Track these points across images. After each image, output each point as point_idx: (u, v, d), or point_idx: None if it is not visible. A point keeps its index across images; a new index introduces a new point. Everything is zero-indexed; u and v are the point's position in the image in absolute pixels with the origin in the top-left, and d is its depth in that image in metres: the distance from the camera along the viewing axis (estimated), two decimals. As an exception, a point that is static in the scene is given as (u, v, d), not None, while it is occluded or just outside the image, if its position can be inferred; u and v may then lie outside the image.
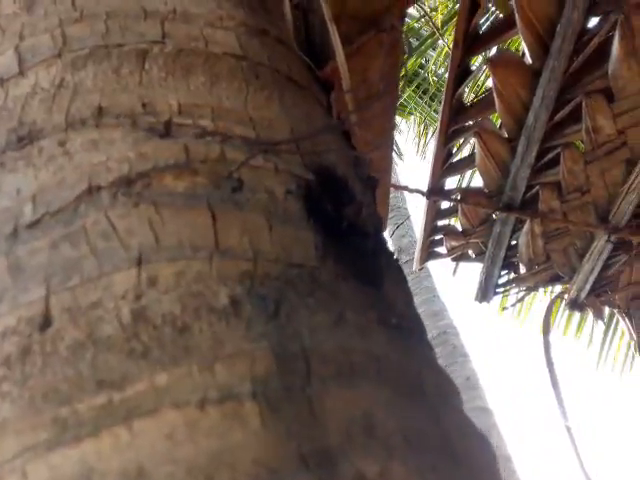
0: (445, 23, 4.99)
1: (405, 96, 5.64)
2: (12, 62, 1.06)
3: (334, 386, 0.72)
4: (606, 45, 1.77)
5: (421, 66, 5.78)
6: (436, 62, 5.65)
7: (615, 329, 4.89)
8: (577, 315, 2.94)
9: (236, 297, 0.75)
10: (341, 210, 0.97)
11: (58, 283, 0.77)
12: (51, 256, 0.80)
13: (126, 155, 0.87)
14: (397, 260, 1.11)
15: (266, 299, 0.77)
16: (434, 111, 5.93)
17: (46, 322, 0.74)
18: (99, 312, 0.73)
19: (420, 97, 5.99)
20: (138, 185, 0.84)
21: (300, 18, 1.51)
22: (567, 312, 3.67)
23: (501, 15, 2.44)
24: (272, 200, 0.90)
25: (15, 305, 0.76)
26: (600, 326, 4.00)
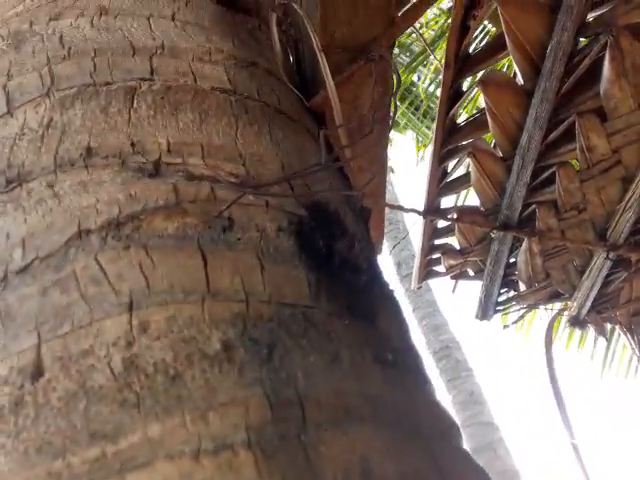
0: (438, 38, 5.02)
1: (399, 113, 5.67)
2: (0, 101, 1.06)
3: (330, 432, 0.70)
4: (597, 66, 1.78)
5: (413, 83, 5.80)
6: (426, 79, 5.68)
7: (617, 341, 4.86)
8: (578, 330, 2.92)
9: (229, 341, 0.74)
10: (333, 245, 0.96)
11: (49, 330, 0.76)
12: (41, 303, 0.79)
13: (115, 197, 0.87)
14: (392, 290, 1.10)
15: (259, 342, 0.75)
16: (426, 127, 5.94)
17: (38, 372, 0.73)
18: (90, 360, 0.72)
19: (412, 113, 6.01)
20: (128, 227, 0.84)
21: (290, 48, 1.51)
22: (568, 327, 3.66)
23: (491, 36, 2.44)
24: (263, 238, 0.89)
25: (6, 354, 0.75)
26: (602, 339, 3.97)
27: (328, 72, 1.30)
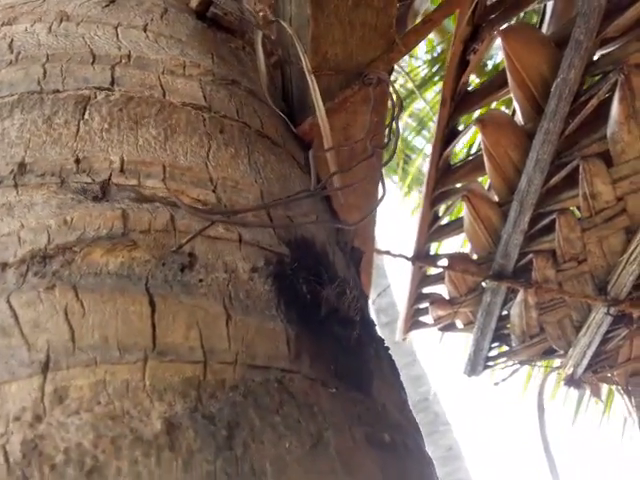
0: (419, 87, 4.97)
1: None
2: None
3: None
4: (605, 106, 1.66)
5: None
6: (407, 128, 5.61)
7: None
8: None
9: (174, 419, 0.55)
10: (320, 292, 0.78)
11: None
12: None
13: (46, 223, 0.68)
14: (387, 349, 0.92)
15: (216, 421, 0.56)
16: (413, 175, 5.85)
17: None
18: (-17, 440, 0.52)
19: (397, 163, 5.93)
20: (56, 262, 0.65)
21: (276, 70, 1.37)
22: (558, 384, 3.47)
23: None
24: (233, 280, 0.71)
25: None
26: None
27: (318, 96, 1.15)
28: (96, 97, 0.87)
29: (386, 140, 0.97)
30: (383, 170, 1.42)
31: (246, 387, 0.61)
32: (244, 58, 1.33)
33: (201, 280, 0.68)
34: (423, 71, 4.72)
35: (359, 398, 0.71)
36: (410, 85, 4.69)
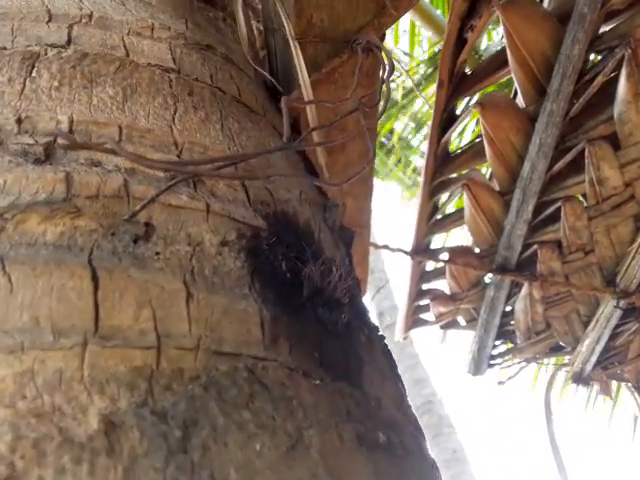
0: (417, 86, 4.87)
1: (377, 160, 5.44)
2: None
3: None
4: (611, 85, 1.56)
5: (392, 131, 5.61)
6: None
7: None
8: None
9: (115, 417, 0.44)
10: (301, 269, 0.67)
11: None
12: None
13: (-26, 187, 0.58)
14: (382, 337, 0.81)
15: (168, 418, 0.45)
16: (409, 178, 5.75)
17: None
18: None
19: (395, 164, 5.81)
20: (-17, 231, 0.54)
21: (262, 39, 1.27)
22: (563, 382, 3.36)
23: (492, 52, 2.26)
24: (197, 255, 0.60)
25: None
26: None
27: (303, 65, 1.05)
28: (46, 54, 0.77)
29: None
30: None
31: (209, 377, 0.50)
32: (224, 29, 1.23)
33: (158, 253, 0.58)
34: (422, 70, 4.63)
35: (348, 391, 0.60)
36: (408, 83, 4.60)
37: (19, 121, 0.67)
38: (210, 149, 0.75)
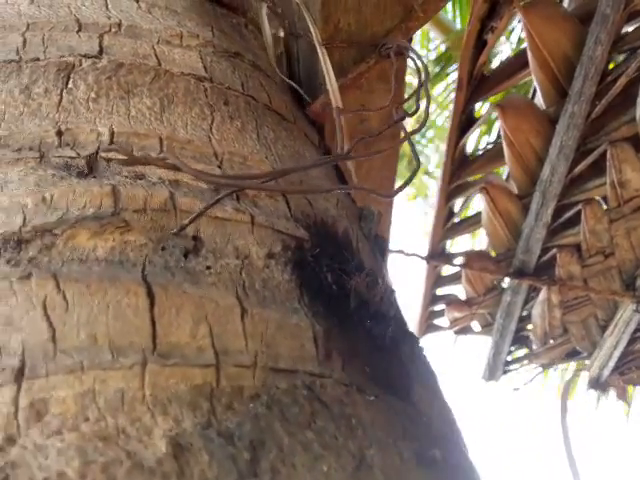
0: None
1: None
2: None
3: None
4: (634, 86, 1.55)
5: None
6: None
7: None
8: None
9: (182, 439, 0.43)
10: (347, 282, 0.66)
11: None
12: None
13: (21, 202, 0.57)
14: (423, 348, 0.80)
15: (236, 439, 0.44)
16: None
17: None
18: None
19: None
20: (34, 247, 0.53)
21: (283, 45, 1.26)
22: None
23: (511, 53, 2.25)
24: (247, 268, 0.59)
25: None
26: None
27: (330, 69, 1.04)
28: (81, 64, 0.76)
29: (410, 111, 0.86)
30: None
31: (269, 395, 0.49)
32: (247, 35, 1.22)
33: (209, 267, 0.56)
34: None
35: (401, 407, 0.59)
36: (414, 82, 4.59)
37: (59, 133, 0.66)
38: (249, 159, 0.74)
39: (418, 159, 0.69)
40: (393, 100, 0.88)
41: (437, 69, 4.37)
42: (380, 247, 0.90)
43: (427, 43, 4.37)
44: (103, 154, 0.64)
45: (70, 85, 0.73)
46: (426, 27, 4.19)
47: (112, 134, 0.67)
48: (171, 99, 0.76)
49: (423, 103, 0.83)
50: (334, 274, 0.67)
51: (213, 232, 0.61)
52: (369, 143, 1.15)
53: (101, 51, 0.82)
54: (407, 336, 0.74)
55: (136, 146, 0.67)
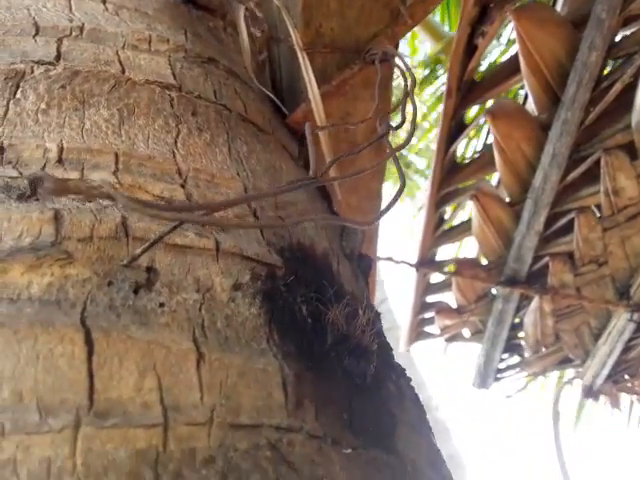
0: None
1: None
2: None
3: None
4: (629, 93, 1.50)
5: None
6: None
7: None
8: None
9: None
10: (324, 314, 0.60)
11: None
12: None
13: (-52, 231, 0.50)
14: (410, 380, 0.73)
15: (181, 520, 0.38)
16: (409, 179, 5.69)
17: None
18: None
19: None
20: (-43, 285, 0.46)
21: (262, 55, 1.19)
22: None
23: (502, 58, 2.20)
24: (208, 303, 0.53)
25: None
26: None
27: (312, 76, 0.97)
28: (33, 72, 0.69)
29: (395, 123, 0.79)
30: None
31: (226, 459, 0.42)
32: (225, 39, 1.15)
33: (162, 304, 0.50)
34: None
35: (383, 459, 0.53)
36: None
37: (1, 150, 0.59)
38: (217, 176, 0.67)
39: (404, 178, 0.62)
40: (378, 110, 0.81)
41: (426, 72, 4.32)
42: (363, 267, 0.83)
43: (417, 44, 4.32)
44: (50, 172, 0.57)
45: (18, 95, 0.66)
46: (415, 29, 4.14)
47: (61, 150, 0.60)
48: (132, 110, 0.69)
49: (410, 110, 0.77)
50: (310, 305, 0.61)
51: (171, 262, 0.54)
52: (352, 158, 1.09)
53: (58, 57, 0.75)
54: (392, 370, 0.67)
55: (88, 163, 0.60)
